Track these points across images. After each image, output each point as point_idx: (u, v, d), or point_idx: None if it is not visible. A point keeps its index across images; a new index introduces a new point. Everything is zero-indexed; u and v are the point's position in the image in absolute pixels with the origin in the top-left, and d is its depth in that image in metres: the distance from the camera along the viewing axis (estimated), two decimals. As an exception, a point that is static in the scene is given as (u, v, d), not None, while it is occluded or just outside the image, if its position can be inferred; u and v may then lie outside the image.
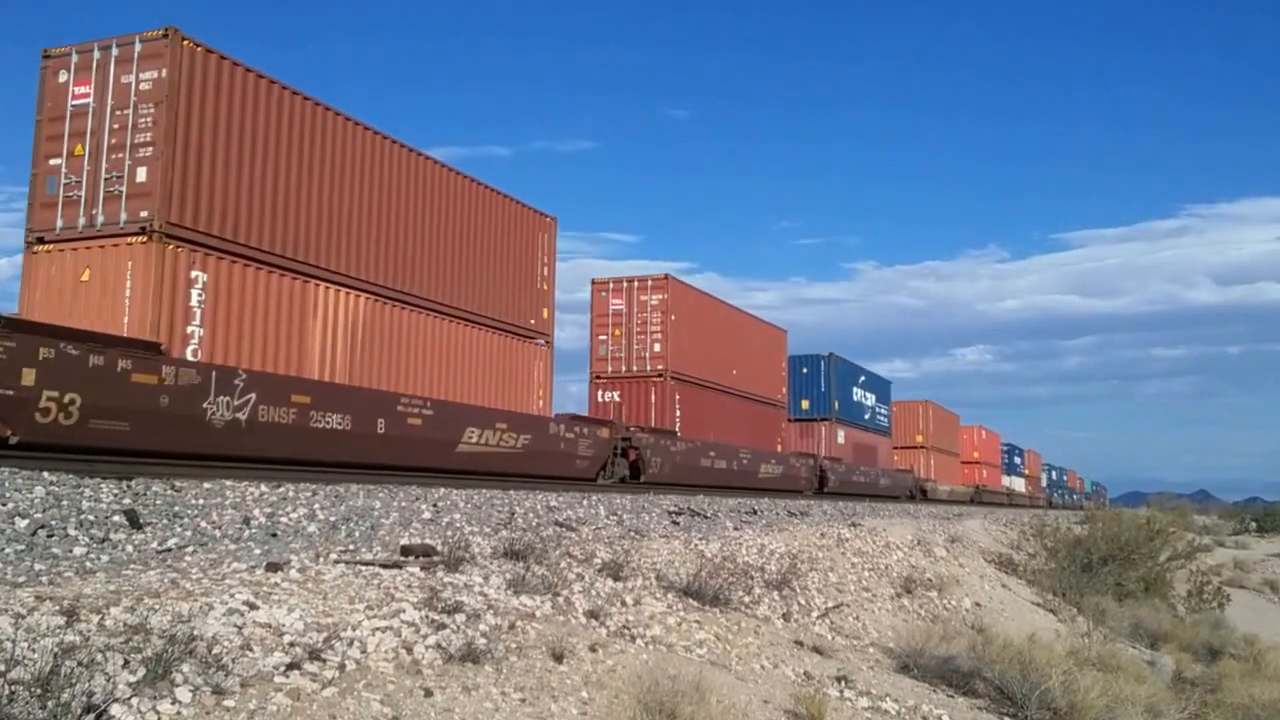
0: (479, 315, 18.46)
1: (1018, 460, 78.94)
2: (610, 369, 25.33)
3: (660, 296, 25.25)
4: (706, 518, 16.10)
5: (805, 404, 37.80)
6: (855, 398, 41.21)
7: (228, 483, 10.24)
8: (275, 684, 4.99)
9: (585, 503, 14.51)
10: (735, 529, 14.87)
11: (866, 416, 42.89)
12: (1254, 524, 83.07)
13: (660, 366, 24.89)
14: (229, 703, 4.68)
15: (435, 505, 11.32)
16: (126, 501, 8.49)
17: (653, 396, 24.76)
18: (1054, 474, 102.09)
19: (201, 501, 9.16)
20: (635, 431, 22.38)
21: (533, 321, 20.24)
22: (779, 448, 31.77)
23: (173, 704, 4.50)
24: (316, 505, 9.89)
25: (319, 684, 5.14)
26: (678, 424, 24.84)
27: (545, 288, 20.81)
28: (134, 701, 4.40)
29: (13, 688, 4.12)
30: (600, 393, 25.19)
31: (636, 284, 25.54)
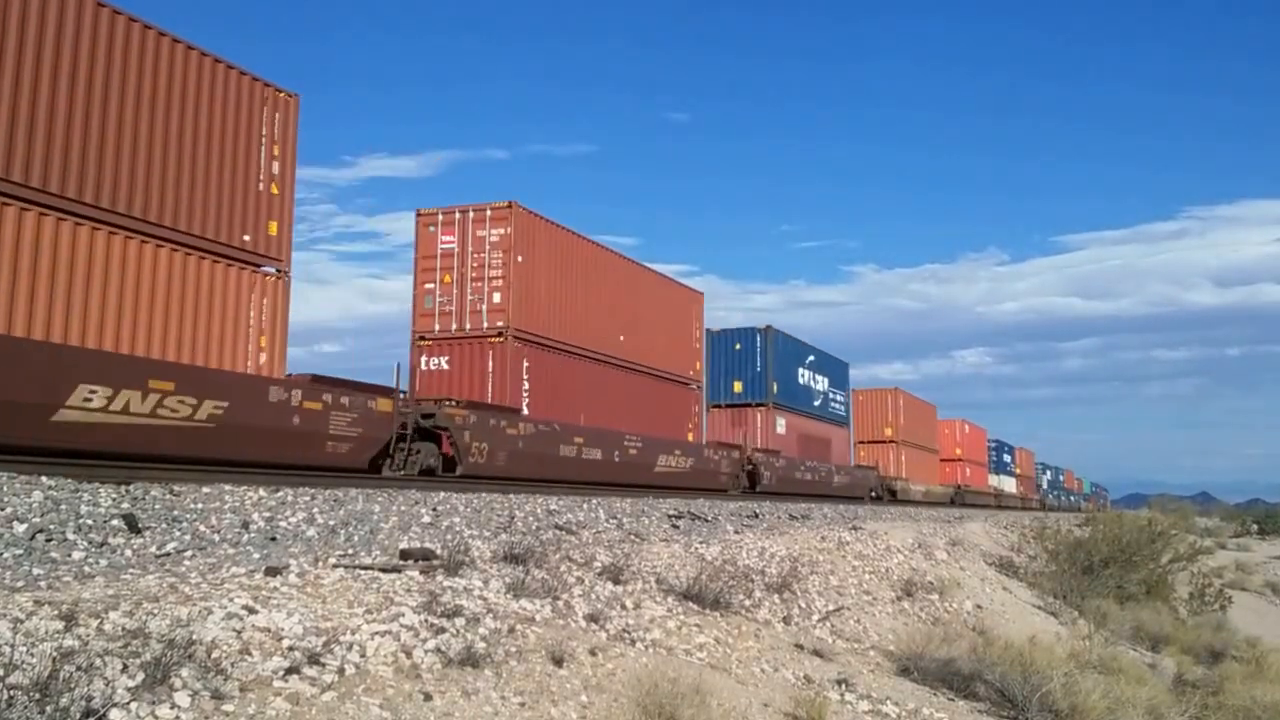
0: (129, 217, 12.53)
1: (1007, 458, 73.35)
2: (438, 327, 19.60)
3: (502, 231, 19.33)
4: (707, 521, 16.10)
5: (738, 386, 32.17)
6: (801, 380, 35.41)
7: (226, 487, 10.25)
8: (274, 688, 4.98)
9: (585, 506, 14.52)
10: (736, 532, 14.86)
11: (817, 403, 36.90)
12: (1255, 526, 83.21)
13: (500, 323, 19.03)
14: (228, 707, 4.67)
15: (435, 509, 11.32)
16: (125, 506, 8.49)
17: (490, 362, 19.03)
18: (1049, 474, 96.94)
19: (200, 505, 9.15)
20: (447, 407, 17.20)
21: (247, 238, 14.20)
22: (690, 436, 26.25)
23: (171, 708, 4.49)
24: (315, 509, 9.89)
25: (318, 688, 5.13)
26: (525, 399, 19.33)
27: (275, 191, 14.75)
28: (133, 706, 4.39)
29: (11, 693, 4.11)
30: (425, 358, 19.65)
31: (472, 215, 19.60)
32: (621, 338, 23.04)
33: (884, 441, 46.15)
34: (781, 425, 33.09)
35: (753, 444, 30.75)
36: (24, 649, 4.52)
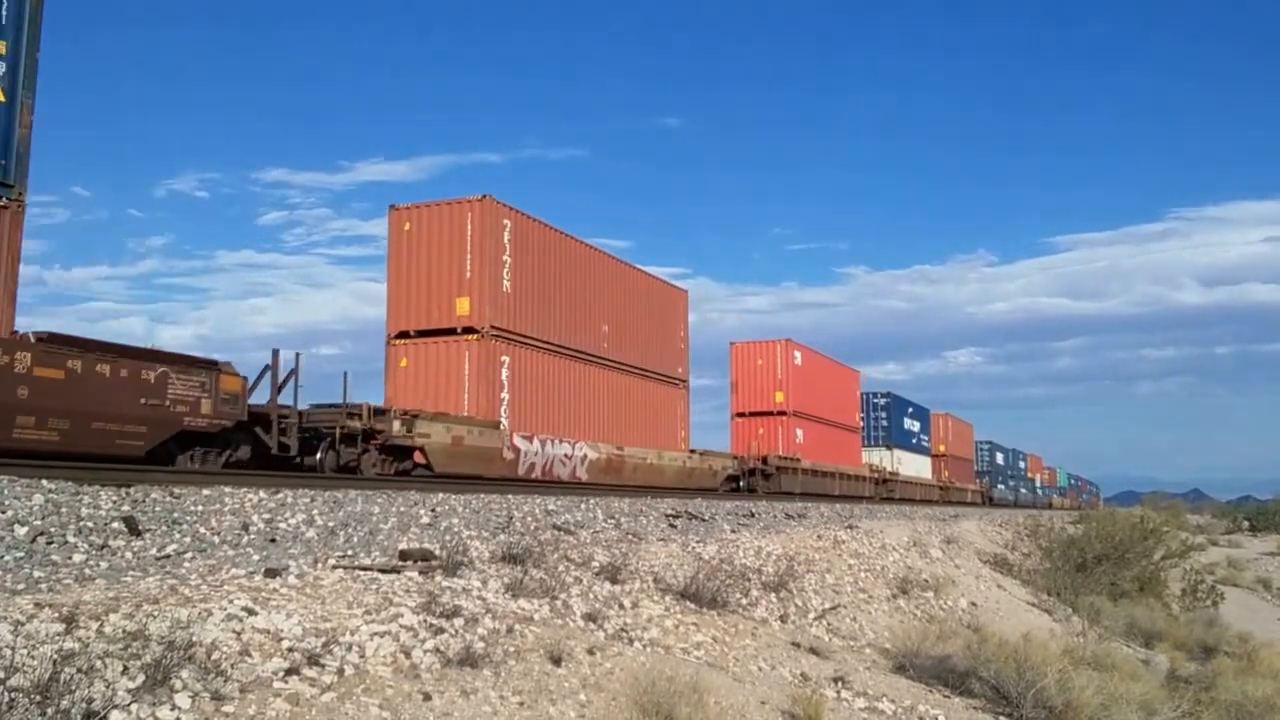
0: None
1: (914, 426, 49.88)
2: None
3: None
4: (704, 520, 16.14)
5: None
6: None
7: (226, 489, 10.24)
8: (274, 689, 5.01)
9: (583, 506, 14.54)
10: (733, 532, 14.90)
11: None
12: (1247, 523, 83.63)
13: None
14: (228, 708, 4.70)
15: (433, 510, 11.33)
16: (125, 508, 8.49)
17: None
18: (1001, 457, 72.18)
19: (200, 508, 9.16)
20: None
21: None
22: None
23: (172, 710, 4.52)
24: (315, 511, 9.89)
25: (318, 689, 5.16)
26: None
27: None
28: (133, 708, 4.42)
29: (12, 695, 4.14)
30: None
31: None
32: None
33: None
34: None
35: None
36: (25, 651, 4.55)
